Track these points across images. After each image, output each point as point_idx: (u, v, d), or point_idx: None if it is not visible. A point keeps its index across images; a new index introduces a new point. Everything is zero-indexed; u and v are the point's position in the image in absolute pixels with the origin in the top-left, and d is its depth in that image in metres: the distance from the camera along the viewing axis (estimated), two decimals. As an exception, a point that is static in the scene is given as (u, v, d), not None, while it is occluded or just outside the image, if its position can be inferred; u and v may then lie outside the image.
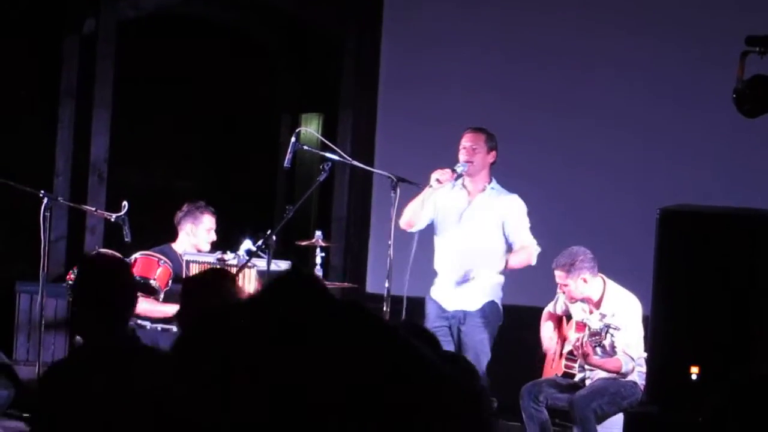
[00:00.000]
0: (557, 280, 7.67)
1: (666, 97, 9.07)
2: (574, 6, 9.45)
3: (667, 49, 9.10)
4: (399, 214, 7.98)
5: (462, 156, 7.89)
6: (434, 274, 8.07)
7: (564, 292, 7.71)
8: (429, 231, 8.01)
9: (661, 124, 9.07)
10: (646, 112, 9.13)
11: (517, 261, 7.86)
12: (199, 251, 8.25)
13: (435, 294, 8.06)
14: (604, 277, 7.70)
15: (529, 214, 7.97)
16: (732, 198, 7.36)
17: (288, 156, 8.11)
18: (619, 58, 9.24)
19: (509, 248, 7.89)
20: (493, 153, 7.94)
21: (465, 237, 7.91)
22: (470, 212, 7.92)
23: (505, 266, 7.87)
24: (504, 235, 7.88)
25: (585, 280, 7.61)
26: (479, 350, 7.82)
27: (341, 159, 8.35)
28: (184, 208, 8.46)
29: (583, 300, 7.72)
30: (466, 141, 7.91)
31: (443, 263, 8.02)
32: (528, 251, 7.83)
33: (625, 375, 7.52)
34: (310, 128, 10.83)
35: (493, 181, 7.99)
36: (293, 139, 8.13)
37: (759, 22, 7.25)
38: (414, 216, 7.94)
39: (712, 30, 8.84)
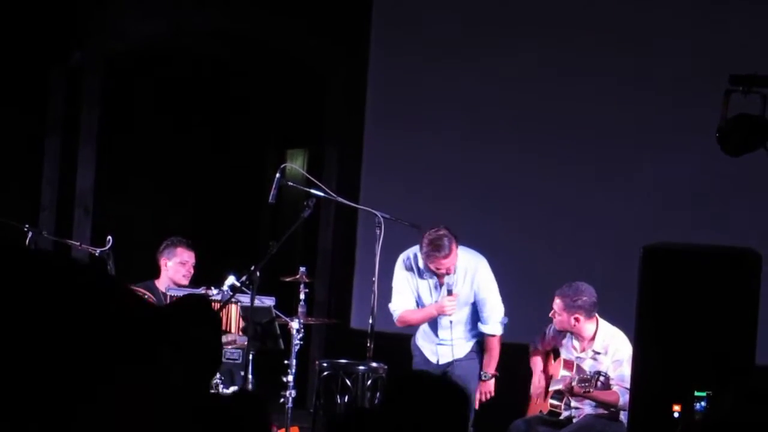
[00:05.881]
0: (553, 305, 7.71)
1: (649, 136, 9.11)
2: (558, 51, 9.49)
3: (650, 87, 9.14)
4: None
5: (441, 275, 7.87)
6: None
7: (555, 318, 7.74)
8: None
9: (644, 163, 9.10)
10: (629, 150, 9.17)
11: (494, 357, 8.01)
12: (178, 285, 8.24)
13: (420, 344, 8.13)
14: (597, 316, 7.73)
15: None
16: (715, 236, 7.38)
17: (273, 191, 8.11)
18: (602, 96, 9.28)
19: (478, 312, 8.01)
20: None
21: (444, 316, 7.97)
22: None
23: (488, 368, 8.00)
24: (475, 298, 7.98)
25: (577, 320, 7.64)
26: (471, 386, 7.89)
27: (326, 195, 8.36)
28: (162, 244, 8.48)
29: (571, 333, 7.75)
30: (442, 266, 7.78)
31: (426, 327, 8.11)
32: (494, 345, 7.99)
33: (623, 408, 7.50)
34: (296, 164, 10.84)
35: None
36: (278, 175, 8.13)
37: (742, 61, 7.29)
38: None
39: (696, 68, 8.89)
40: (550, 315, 7.78)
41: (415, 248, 7.97)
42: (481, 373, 7.99)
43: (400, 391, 3.93)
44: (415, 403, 3.81)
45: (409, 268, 8.00)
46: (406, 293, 8.01)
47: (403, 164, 9.85)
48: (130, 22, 10.26)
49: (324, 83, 10.79)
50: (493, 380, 8.00)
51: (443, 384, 4.07)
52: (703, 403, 5.91)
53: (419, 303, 8.03)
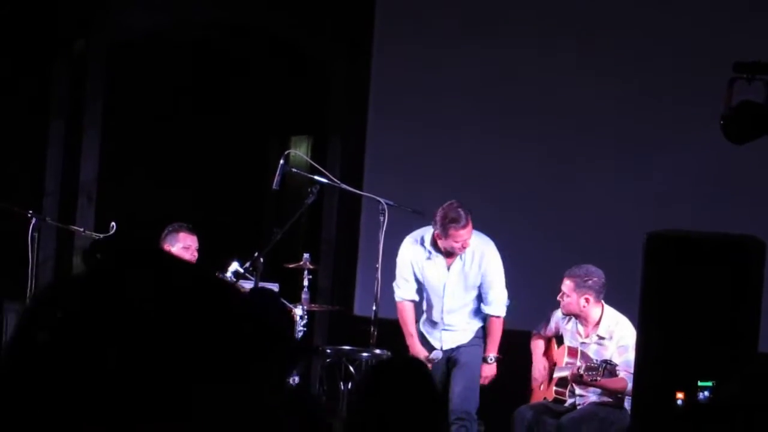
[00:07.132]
0: (562, 287, 7.71)
1: (653, 123, 9.10)
2: (562, 38, 9.48)
3: (655, 74, 9.13)
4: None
5: (457, 251, 7.84)
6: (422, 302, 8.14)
7: (562, 301, 7.74)
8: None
9: (648, 150, 9.09)
10: (633, 138, 9.16)
11: (497, 339, 7.99)
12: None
13: (425, 329, 8.12)
14: (603, 302, 7.74)
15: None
16: (718, 223, 7.38)
17: (277, 178, 8.12)
18: (608, 82, 9.27)
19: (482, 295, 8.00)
20: None
21: (451, 299, 7.95)
22: (452, 279, 7.95)
23: (492, 351, 7.99)
24: (481, 281, 7.96)
25: (587, 300, 7.65)
26: (475, 372, 7.89)
27: (330, 182, 8.36)
28: (164, 231, 8.44)
29: (577, 317, 7.75)
30: (459, 237, 7.77)
31: (430, 312, 8.08)
32: (497, 326, 7.97)
33: (630, 394, 7.51)
34: (299, 151, 10.84)
35: None
36: (282, 162, 8.14)
37: (747, 48, 7.28)
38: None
39: (701, 55, 8.88)
40: (558, 298, 7.78)
41: (423, 231, 7.96)
42: (488, 357, 7.95)
43: (375, 385, 3.97)
44: (389, 392, 3.85)
45: (418, 251, 7.96)
46: (411, 281, 8.01)
47: (407, 151, 9.84)
48: (134, 10, 10.26)
49: (327, 71, 10.79)
50: (495, 364, 7.97)
51: (409, 367, 4.11)
52: (706, 393, 5.91)
53: (425, 286, 8.01)
